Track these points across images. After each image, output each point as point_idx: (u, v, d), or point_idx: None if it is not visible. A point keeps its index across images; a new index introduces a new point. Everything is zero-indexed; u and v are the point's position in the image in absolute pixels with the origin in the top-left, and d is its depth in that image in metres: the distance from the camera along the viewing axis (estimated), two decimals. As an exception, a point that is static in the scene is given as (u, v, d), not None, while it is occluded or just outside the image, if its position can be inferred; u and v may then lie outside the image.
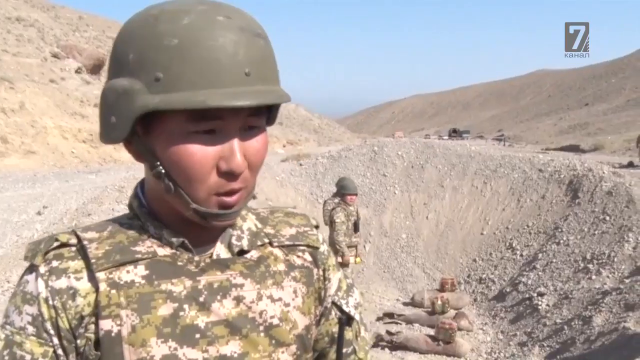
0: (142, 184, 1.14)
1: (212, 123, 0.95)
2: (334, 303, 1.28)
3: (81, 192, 14.32)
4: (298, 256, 1.20)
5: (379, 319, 9.68)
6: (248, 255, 1.13)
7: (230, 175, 0.98)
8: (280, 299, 1.13)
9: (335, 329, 1.28)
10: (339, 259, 9.04)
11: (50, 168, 22.83)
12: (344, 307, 1.28)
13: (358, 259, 9.46)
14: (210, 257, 1.09)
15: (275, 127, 56.62)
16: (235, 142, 0.98)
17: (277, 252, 1.18)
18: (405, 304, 10.71)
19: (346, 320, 1.24)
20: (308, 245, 1.23)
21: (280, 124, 62.32)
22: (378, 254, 12.83)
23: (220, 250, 1.10)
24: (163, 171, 0.98)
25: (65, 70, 37.04)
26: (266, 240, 1.17)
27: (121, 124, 0.96)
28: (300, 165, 15.52)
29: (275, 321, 1.11)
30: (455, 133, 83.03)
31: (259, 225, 1.20)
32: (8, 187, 16.47)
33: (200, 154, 0.95)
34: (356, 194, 9.34)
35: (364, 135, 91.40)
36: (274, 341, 1.11)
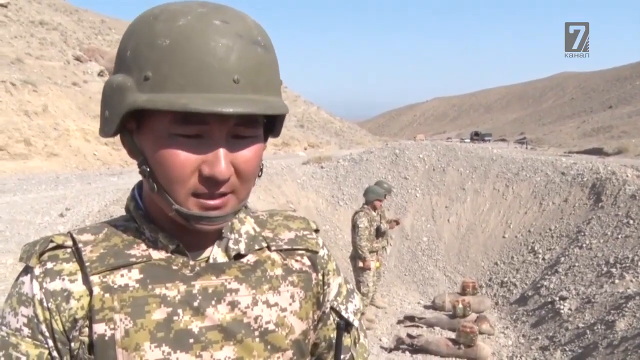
0: (139, 185, 1.14)
1: (196, 127, 0.94)
2: (332, 308, 1.29)
3: (103, 194, 14.42)
4: (296, 260, 1.21)
5: (399, 322, 9.65)
6: (244, 260, 1.13)
7: (211, 181, 0.97)
8: (276, 304, 1.13)
9: (333, 334, 1.30)
10: (360, 264, 9.06)
11: (72, 170, 23.00)
12: (343, 313, 1.29)
13: (378, 264, 9.49)
14: (206, 261, 1.08)
15: (296, 129, 56.79)
16: (221, 150, 0.96)
17: (275, 256, 1.18)
18: (426, 307, 10.67)
19: (344, 326, 1.26)
20: (307, 250, 1.24)
21: (302, 126, 62.38)
22: (399, 257, 12.80)
23: (217, 253, 1.10)
24: (148, 170, 0.98)
25: (88, 73, 37.30)
26: (264, 244, 1.18)
27: (112, 118, 0.97)
28: (322, 167, 15.51)
29: (271, 326, 1.11)
30: (477, 136, 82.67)
31: (257, 229, 1.20)
32: (31, 189, 16.60)
33: (183, 157, 0.95)
34: (380, 200, 9.39)
35: (385, 138, 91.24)
36: (269, 346, 1.11)
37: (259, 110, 0.94)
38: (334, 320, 1.29)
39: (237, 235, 1.15)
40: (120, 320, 0.98)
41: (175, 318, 1.02)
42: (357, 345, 1.36)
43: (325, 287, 1.27)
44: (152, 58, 0.92)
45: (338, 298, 1.30)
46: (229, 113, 0.91)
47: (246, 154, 1.00)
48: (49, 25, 45.79)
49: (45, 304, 0.99)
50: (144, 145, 0.99)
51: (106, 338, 0.98)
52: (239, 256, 1.13)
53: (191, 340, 1.03)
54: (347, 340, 1.30)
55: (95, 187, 16.52)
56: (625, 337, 6.93)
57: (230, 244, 1.12)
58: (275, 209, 1.35)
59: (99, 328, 0.98)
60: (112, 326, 0.98)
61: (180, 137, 0.94)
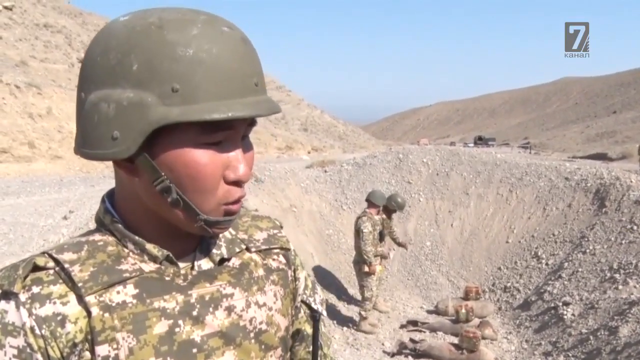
0: (109, 196, 1.12)
1: (223, 134, 0.95)
2: (303, 301, 1.32)
3: (107, 197, 14.43)
4: (274, 259, 1.24)
5: (402, 326, 9.65)
6: (230, 264, 1.14)
7: (237, 184, 1.00)
8: (264, 304, 1.15)
9: (304, 327, 1.33)
10: (366, 268, 9.05)
11: (76, 173, 23.07)
12: (313, 305, 1.33)
13: (381, 267, 9.50)
14: (192, 268, 1.08)
15: (300, 133, 56.89)
16: (240, 152, 0.99)
17: (256, 257, 1.20)
18: (429, 311, 10.67)
19: (319, 317, 1.29)
20: (281, 248, 1.27)
21: (305, 130, 62.50)
22: (402, 261, 12.78)
23: (201, 260, 1.10)
24: (171, 185, 0.96)
25: (93, 76, 37.50)
26: (243, 247, 1.19)
27: (130, 138, 0.92)
28: (325, 171, 15.49)
29: (264, 326, 1.14)
30: (480, 140, 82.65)
31: (233, 232, 1.21)
32: (35, 191, 16.65)
33: (211, 165, 0.96)
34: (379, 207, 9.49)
35: (388, 142, 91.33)
36: (263, 346, 1.13)
37: (277, 110, 0.99)
38: (304, 312, 1.33)
39: (217, 240, 1.15)
40: (123, 338, 0.96)
41: (177, 329, 1.01)
42: (322, 334, 1.37)
43: (297, 281, 1.30)
44: (177, 69, 0.90)
45: (306, 291, 1.33)
46: (264, 115, 0.95)
47: (251, 153, 1.04)
48: (54, 28, 45.94)
49: (38, 332, 0.93)
50: (159, 160, 0.95)
51: (110, 359, 0.96)
52: (222, 260, 1.13)
53: (194, 350, 1.03)
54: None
55: (99, 189, 16.52)
56: (629, 343, 6.92)
57: (213, 250, 1.13)
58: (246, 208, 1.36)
59: (102, 350, 0.95)
60: (115, 346, 0.96)
61: (205, 145, 0.95)
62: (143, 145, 0.94)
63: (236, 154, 0.99)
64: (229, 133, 0.96)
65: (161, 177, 0.96)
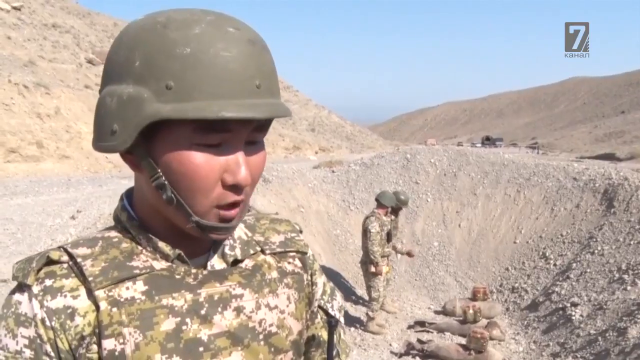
0: (127, 195, 1.13)
1: (219, 136, 0.94)
2: (320, 307, 1.31)
3: (114, 196, 14.43)
4: (289, 262, 1.23)
5: (410, 327, 9.63)
6: (243, 265, 1.13)
7: (235, 188, 0.98)
8: (276, 307, 1.15)
9: (321, 332, 1.32)
10: (372, 269, 9.04)
11: (84, 173, 23.08)
12: (330, 311, 1.33)
13: (387, 268, 9.48)
14: (205, 267, 1.08)
15: (307, 133, 56.86)
16: (241, 155, 0.97)
17: (270, 259, 1.19)
18: (436, 312, 10.65)
19: (335, 323, 1.27)
20: (298, 251, 1.26)
21: (313, 130, 62.47)
22: (410, 261, 12.74)
23: (214, 260, 1.10)
24: (165, 182, 0.96)
25: (100, 76, 37.60)
26: (258, 249, 1.19)
27: (126, 132, 0.93)
28: (333, 172, 15.48)
29: (274, 329, 1.13)
30: (488, 141, 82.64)
31: (249, 234, 1.21)
32: (43, 191, 16.66)
33: (206, 167, 0.95)
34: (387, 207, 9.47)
35: (396, 142, 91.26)
36: (272, 349, 1.12)
37: (281, 114, 0.97)
38: (321, 318, 1.32)
39: (231, 241, 1.15)
40: (130, 334, 0.97)
41: (184, 327, 1.02)
42: (340, 341, 1.38)
43: (314, 286, 1.29)
44: (173, 67, 0.90)
45: (324, 297, 1.33)
46: (260, 118, 0.93)
47: (257, 160, 1.02)
48: (62, 28, 46.03)
49: (48, 323, 0.96)
50: (157, 156, 0.97)
51: (116, 353, 0.97)
52: (235, 262, 1.13)
53: (201, 349, 1.03)
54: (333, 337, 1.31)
55: (107, 189, 16.55)
56: (638, 344, 6.90)
57: (227, 250, 1.13)
58: (258, 212, 1.36)
59: (109, 344, 0.97)
60: (121, 341, 0.97)
61: (202, 147, 0.94)
62: (143, 141, 0.95)
63: (236, 157, 0.97)
64: (227, 136, 0.95)
65: (157, 174, 0.97)
